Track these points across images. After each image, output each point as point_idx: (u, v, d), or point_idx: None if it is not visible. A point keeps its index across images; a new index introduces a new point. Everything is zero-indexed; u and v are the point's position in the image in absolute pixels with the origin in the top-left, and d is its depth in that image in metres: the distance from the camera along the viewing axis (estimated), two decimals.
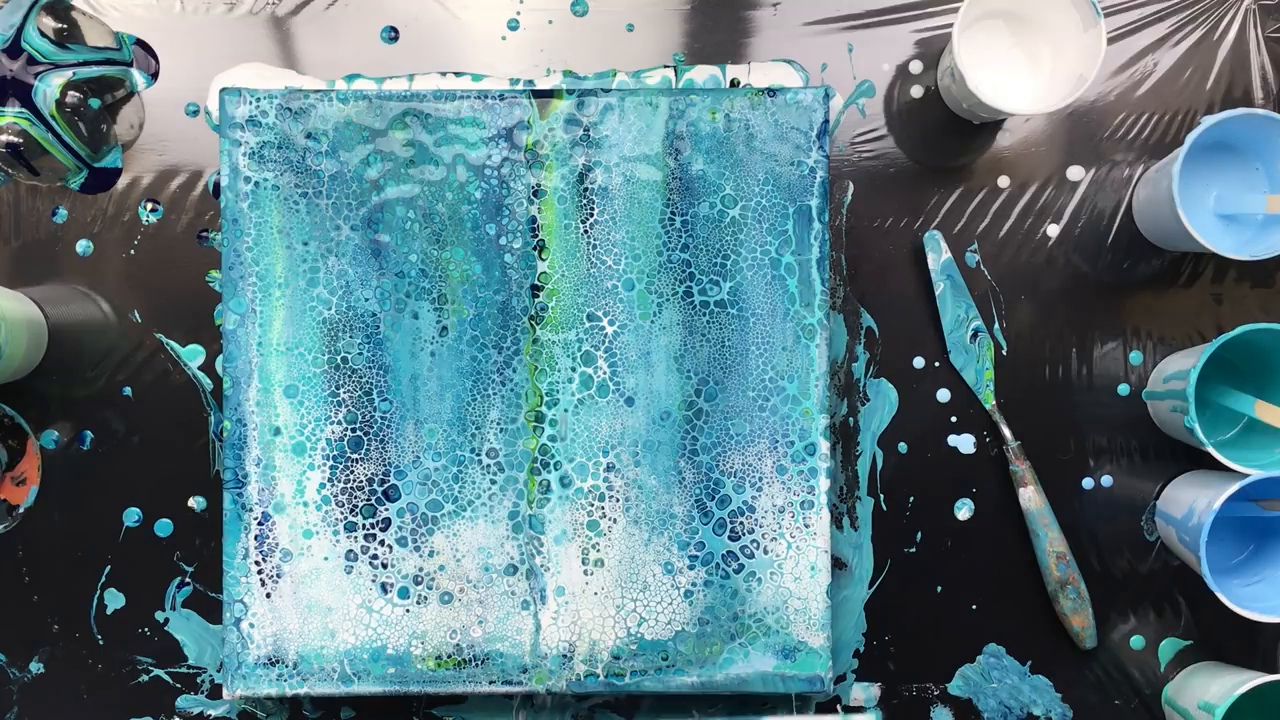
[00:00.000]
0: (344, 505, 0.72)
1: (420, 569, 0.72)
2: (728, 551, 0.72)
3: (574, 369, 0.72)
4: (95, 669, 0.77)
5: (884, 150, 0.78)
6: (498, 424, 0.72)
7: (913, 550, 0.77)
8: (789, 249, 0.72)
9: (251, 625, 0.72)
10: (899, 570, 0.77)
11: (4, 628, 0.76)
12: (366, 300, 0.72)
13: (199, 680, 0.77)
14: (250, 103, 0.72)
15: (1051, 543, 0.76)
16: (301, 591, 0.72)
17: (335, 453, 0.72)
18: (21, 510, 0.77)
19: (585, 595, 0.72)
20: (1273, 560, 0.74)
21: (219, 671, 0.77)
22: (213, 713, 0.77)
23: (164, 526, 0.77)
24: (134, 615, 0.77)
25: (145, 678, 0.77)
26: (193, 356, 0.77)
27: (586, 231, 0.72)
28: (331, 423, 0.72)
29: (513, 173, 0.72)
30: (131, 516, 0.77)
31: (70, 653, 0.77)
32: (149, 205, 0.77)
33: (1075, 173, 0.78)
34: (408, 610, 0.72)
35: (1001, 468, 0.78)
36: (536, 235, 0.72)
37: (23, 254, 0.77)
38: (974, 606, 0.77)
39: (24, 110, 0.74)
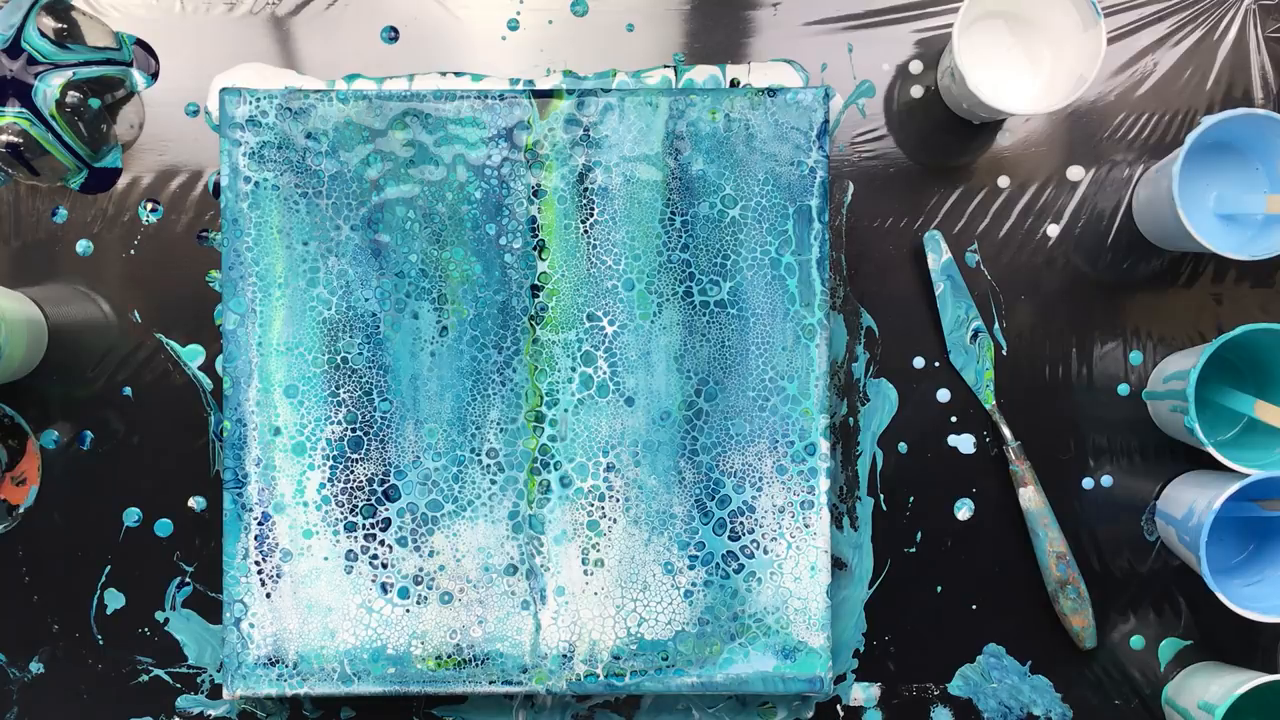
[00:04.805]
0: (344, 505, 0.72)
1: (420, 569, 0.72)
2: (728, 551, 0.72)
3: (574, 369, 0.72)
4: (95, 669, 0.77)
5: (884, 150, 0.78)
6: (498, 424, 0.72)
7: (913, 550, 0.77)
8: (789, 249, 0.72)
9: (251, 625, 0.72)
10: (899, 570, 0.77)
11: (4, 628, 0.76)
12: (366, 300, 0.72)
13: (199, 680, 0.77)
14: (250, 103, 0.72)
15: (1051, 543, 0.76)
16: (301, 591, 0.72)
17: (335, 453, 0.72)
18: (21, 510, 0.77)
19: (585, 595, 0.72)
20: (1273, 560, 0.74)
21: (219, 671, 0.77)
22: (213, 713, 0.77)
23: (164, 526, 0.77)
24: (134, 615, 0.77)
25: (145, 678, 0.77)
26: (193, 356, 0.77)
27: (586, 231, 0.72)
28: (331, 423, 0.72)
29: (513, 173, 0.72)
30: (131, 516, 0.77)
31: (70, 653, 0.77)
32: (149, 205, 0.77)
33: (1075, 173, 0.78)
34: (408, 610, 0.72)
35: (1001, 468, 0.78)
36: (536, 235, 0.72)
37: (23, 254, 0.77)
38: (974, 606, 0.77)
39: (24, 110, 0.74)
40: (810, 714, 0.77)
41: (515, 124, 0.72)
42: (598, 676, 0.72)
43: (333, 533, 0.72)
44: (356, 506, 0.72)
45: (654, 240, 0.72)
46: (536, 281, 0.72)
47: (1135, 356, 0.78)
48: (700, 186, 0.72)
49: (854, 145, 0.78)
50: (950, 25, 0.77)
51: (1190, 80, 0.78)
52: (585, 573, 0.72)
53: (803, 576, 0.72)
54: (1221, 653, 0.77)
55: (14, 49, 0.74)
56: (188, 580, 0.77)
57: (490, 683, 0.72)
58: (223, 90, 0.72)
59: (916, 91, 0.78)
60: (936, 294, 0.77)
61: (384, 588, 0.72)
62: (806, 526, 0.72)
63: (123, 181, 0.77)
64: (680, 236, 0.72)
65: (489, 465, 0.72)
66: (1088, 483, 0.78)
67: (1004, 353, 0.78)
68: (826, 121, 0.72)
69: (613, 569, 0.72)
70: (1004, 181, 0.78)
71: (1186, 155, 0.71)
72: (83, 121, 0.75)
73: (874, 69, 0.78)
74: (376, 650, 0.72)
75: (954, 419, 0.78)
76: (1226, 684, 0.71)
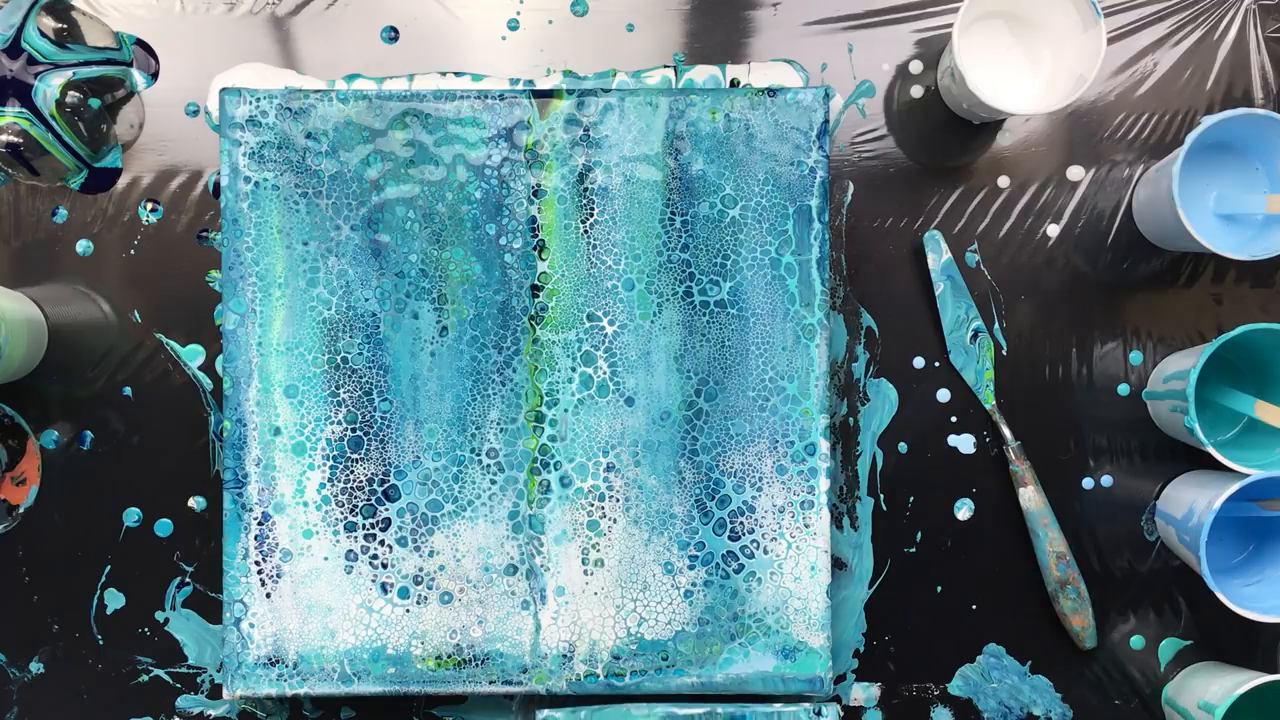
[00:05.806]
0: (344, 505, 0.72)
1: (420, 569, 0.72)
2: (728, 551, 0.72)
3: (574, 369, 0.72)
4: (95, 669, 0.77)
5: (884, 150, 0.78)
6: (498, 424, 0.72)
7: (913, 550, 0.77)
8: (789, 249, 0.72)
9: (251, 625, 0.72)
10: (899, 570, 0.77)
11: (4, 628, 0.76)
12: (366, 300, 0.72)
13: (199, 680, 0.77)
14: (250, 103, 0.72)
15: (1051, 543, 0.76)
16: (301, 591, 0.72)
17: (335, 453, 0.72)
18: (21, 510, 0.77)
19: (585, 595, 0.72)
20: (1273, 560, 0.74)
21: (219, 671, 0.77)
22: (213, 713, 0.77)
23: (164, 526, 0.77)
24: (134, 615, 0.77)
25: (145, 678, 0.77)
26: (193, 356, 0.77)
27: (586, 231, 0.72)
28: (331, 423, 0.72)
29: (513, 173, 0.72)
30: (131, 516, 0.77)
31: (70, 653, 0.77)
32: (149, 205, 0.77)
33: (1075, 173, 0.78)
34: (408, 610, 0.72)
35: (1001, 468, 0.78)
36: (536, 235, 0.72)
37: (23, 254, 0.77)
38: (974, 606, 0.77)
39: (24, 110, 0.74)
40: None
41: (515, 124, 0.72)
42: (598, 676, 0.72)
43: (333, 533, 0.72)
44: (356, 506, 0.72)
45: (654, 240, 0.72)
46: (536, 281, 0.72)
47: (1135, 356, 0.78)
48: (700, 186, 0.72)
49: (854, 145, 0.78)
50: (950, 25, 0.77)
51: (1190, 80, 0.78)
52: (585, 573, 0.72)
53: (803, 576, 0.72)
54: (1221, 653, 0.77)
55: (14, 49, 0.74)
56: (188, 580, 0.77)
57: (490, 683, 0.72)
58: (223, 90, 0.72)
59: (916, 91, 0.78)
60: (936, 294, 0.77)
61: (384, 588, 0.72)
62: (806, 526, 0.72)
63: (123, 181, 0.77)
64: (680, 236, 0.72)
65: (489, 465, 0.72)
66: (1088, 483, 0.78)
67: (1004, 353, 0.78)
68: (826, 121, 0.72)
69: (613, 569, 0.72)
70: (1004, 181, 0.78)
71: (1186, 155, 0.71)
72: (83, 121, 0.75)
73: (874, 69, 0.78)
74: (376, 650, 0.72)
75: (954, 419, 0.78)
76: (1226, 684, 0.71)
